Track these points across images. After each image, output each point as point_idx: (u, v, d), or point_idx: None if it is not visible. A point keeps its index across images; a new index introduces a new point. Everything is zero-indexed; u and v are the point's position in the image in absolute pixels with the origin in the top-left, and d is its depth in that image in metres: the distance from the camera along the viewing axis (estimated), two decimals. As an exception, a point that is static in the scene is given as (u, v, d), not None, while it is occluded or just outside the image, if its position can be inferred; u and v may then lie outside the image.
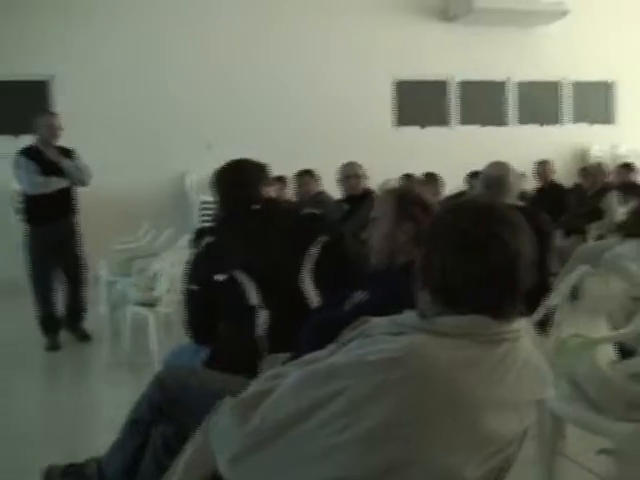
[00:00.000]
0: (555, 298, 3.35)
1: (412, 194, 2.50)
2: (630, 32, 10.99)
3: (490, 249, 1.53)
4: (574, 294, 6.33)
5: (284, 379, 1.62)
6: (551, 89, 11.06)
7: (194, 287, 2.93)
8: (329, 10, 9.73)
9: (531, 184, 8.40)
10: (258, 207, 3.02)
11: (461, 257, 1.53)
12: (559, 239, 6.60)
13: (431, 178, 7.45)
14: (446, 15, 10.34)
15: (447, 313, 1.54)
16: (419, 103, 10.40)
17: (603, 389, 2.77)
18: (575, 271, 3.47)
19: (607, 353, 3.35)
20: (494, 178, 3.90)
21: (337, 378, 1.47)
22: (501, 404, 1.53)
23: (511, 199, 3.89)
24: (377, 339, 1.55)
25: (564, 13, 10.39)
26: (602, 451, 3.34)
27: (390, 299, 1.95)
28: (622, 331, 3.29)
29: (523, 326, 1.63)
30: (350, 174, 5.22)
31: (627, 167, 8.67)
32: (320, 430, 1.45)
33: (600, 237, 6.68)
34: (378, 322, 1.67)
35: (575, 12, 10.37)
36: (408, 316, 1.60)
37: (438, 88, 10.48)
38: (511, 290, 1.56)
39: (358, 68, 9.85)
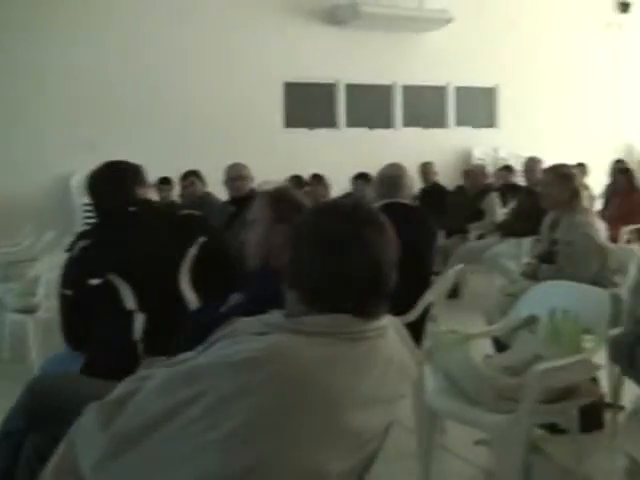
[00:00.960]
0: (432, 295, 3.45)
1: (288, 196, 2.51)
2: (511, 40, 11.42)
3: (353, 249, 1.55)
4: (455, 292, 6.55)
5: (150, 380, 1.60)
6: (436, 93, 11.35)
7: (68, 292, 2.86)
8: (218, 11, 9.66)
9: (416, 185, 8.61)
10: (134, 209, 2.98)
11: (324, 257, 1.56)
12: (441, 239, 6.81)
13: (318, 179, 7.53)
14: (334, 19, 10.44)
15: (312, 312, 1.56)
16: (308, 105, 10.48)
17: (476, 382, 2.87)
18: (451, 270, 3.59)
19: (482, 348, 3.50)
20: (389, 178, 4.00)
21: (201, 379, 1.46)
22: (364, 400, 1.56)
23: (405, 199, 4.00)
24: (241, 339, 1.55)
25: (448, 20, 10.68)
26: (479, 442, 3.48)
27: (263, 301, 1.96)
28: (494, 327, 3.43)
29: (388, 323, 1.67)
30: (235, 175, 5.20)
31: (507, 169, 9.04)
32: (184, 431, 1.44)
33: (480, 237, 6.92)
34: (245, 322, 1.67)
35: (459, 20, 10.68)
36: (273, 316, 1.62)
37: (326, 91, 10.58)
38: (374, 289, 1.59)
39: (248, 70, 9.82)
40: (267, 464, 1.42)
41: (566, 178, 4.07)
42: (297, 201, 2.48)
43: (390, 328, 1.68)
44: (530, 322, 3.20)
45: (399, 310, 3.48)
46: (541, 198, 4.20)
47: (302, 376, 1.44)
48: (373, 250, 1.56)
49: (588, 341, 2.93)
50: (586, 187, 8.10)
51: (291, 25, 10.23)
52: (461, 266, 3.72)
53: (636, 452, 2.24)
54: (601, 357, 3.52)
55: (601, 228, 4.15)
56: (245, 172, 5.25)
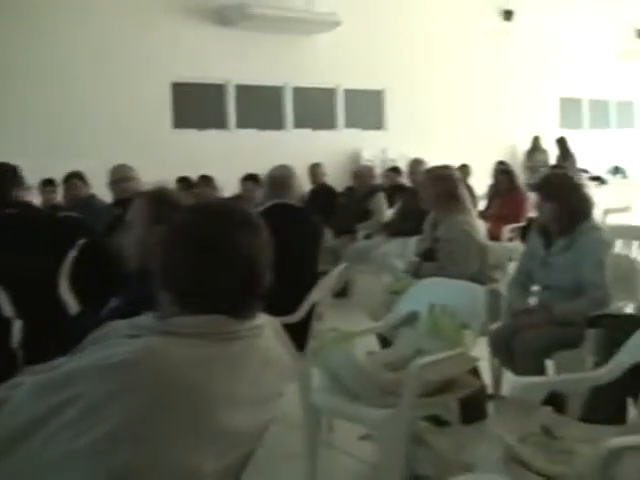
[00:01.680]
0: (317, 295, 3.50)
1: (166, 196, 2.49)
2: (399, 44, 11.68)
3: (224, 249, 1.55)
4: (345, 291, 6.65)
5: (20, 388, 1.55)
6: (326, 95, 11.48)
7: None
8: (105, 10, 9.43)
9: (305, 186, 8.69)
10: (13, 211, 2.88)
11: (195, 257, 1.55)
12: (330, 239, 6.89)
13: (207, 181, 7.48)
14: (223, 20, 10.38)
15: (184, 313, 1.55)
16: (197, 106, 10.38)
17: (358, 379, 2.93)
18: (335, 269, 3.64)
19: (368, 345, 3.56)
20: (277, 180, 4.03)
21: (72, 384, 1.43)
22: (241, 400, 1.56)
23: (293, 200, 4.03)
24: (112, 343, 1.53)
25: (337, 23, 10.81)
26: (364, 437, 3.54)
27: (141, 303, 1.93)
28: (377, 324, 3.50)
29: (264, 322, 1.68)
30: (120, 177, 5.08)
31: (395, 170, 9.23)
32: (57, 437, 1.41)
33: (368, 236, 7.05)
34: (117, 325, 1.65)
35: (348, 23, 10.83)
36: (145, 318, 1.60)
37: (216, 91, 10.51)
38: (247, 289, 1.59)
39: (135, 69, 9.62)
40: (140, 466, 1.41)
41: (442, 179, 4.21)
42: (176, 202, 2.45)
43: (267, 327, 1.69)
44: (411, 318, 3.29)
45: (286, 310, 3.52)
46: (421, 199, 4.33)
47: (174, 378, 1.43)
48: (245, 250, 1.57)
49: (466, 335, 3.04)
50: (468, 187, 8.42)
51: (179, 25, 10.10)
52: (344, 265, 3.78)
53: (510, 438, 2.33)
54: (483, 350, 3.67)
55: (480, 226, 4.31)
56: (130, 174, 5.14)
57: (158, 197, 2.47)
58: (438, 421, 3.54)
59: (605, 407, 2.70)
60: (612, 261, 3.88)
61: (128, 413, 1.39)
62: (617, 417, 2.67)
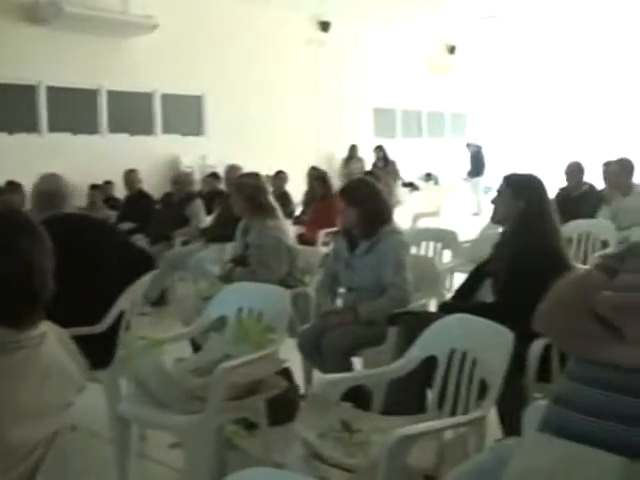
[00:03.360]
0: (124, 303, 3.42)
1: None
2: (218, 50, 11.68)
3: (2, 258, 1.50)
4: (162, 299, 6.56)
5: None
6: (143, 100, 11.26)
7: None
8: None
9: (122, 192, 8.49)
10: None
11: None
12: (146, 246, 6.76)
13: (14, 187, 7.11)
14: (35, 17, 9.90)
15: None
16: (6, 108, 9.82)
17: (165, 386, 2.90)
18: (143, 277, 3.57)
19: (181, 352, 3.53)
20: (45, 193, 3.71)
21: None
22: (23, 412, 1.51)
23: (69, 209, 3.77)
24: None
25: (154, 27, 10.64)
26: (174, 445, 3.51)
27: None
28: (186, 330, 3.49)
29: (47, 331, 1.63)
30: None
31: (214, 176, 9.23)
32: None
33: (186, 243, 6.98)
34: None
35: (165, 26, 10.69)
36: None
37: (26, 93, 10.01)
38: (26, 298, 1.55)
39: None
40: None
41: (250, 187, 4.27)
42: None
43: (50, 335, 1.64)
44: (219, 323, 3.31)
45: (90, 320, 3.40)
46: (231, 203, 4.37)
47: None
48: (23, 259, 1.52)
49: (272, 338, 3.09)
50: (284, 194, 8.57)
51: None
52: (154, 272, 3.72)
53: (310, 435, 2.39)
54: (294, 352, 3.75)
55: (290, 231, 4.41)
56: None
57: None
58: (250, 424, 3.58)
59: (404, 399, 2.84)
60: (415, 262, 4.11)
61: None
62: (416, 408, 2.82)
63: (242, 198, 4.23)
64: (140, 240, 6.55)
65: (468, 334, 2.56)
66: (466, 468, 1.80)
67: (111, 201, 9.15)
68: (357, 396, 3.16)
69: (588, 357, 1.74)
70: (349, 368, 3.51)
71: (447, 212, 10.79)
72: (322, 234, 7.08)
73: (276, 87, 12.62)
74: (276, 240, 4.17)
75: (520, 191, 3.26)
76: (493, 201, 3.37)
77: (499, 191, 3.36)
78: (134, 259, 3.69)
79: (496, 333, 2.44)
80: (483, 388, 2.45)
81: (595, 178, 6.87)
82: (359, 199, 3.71)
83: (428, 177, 15.30)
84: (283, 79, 12.77)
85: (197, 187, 8.88)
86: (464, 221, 10.80)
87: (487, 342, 2.47)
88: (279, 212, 4.45)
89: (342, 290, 3.95)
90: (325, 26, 13.65)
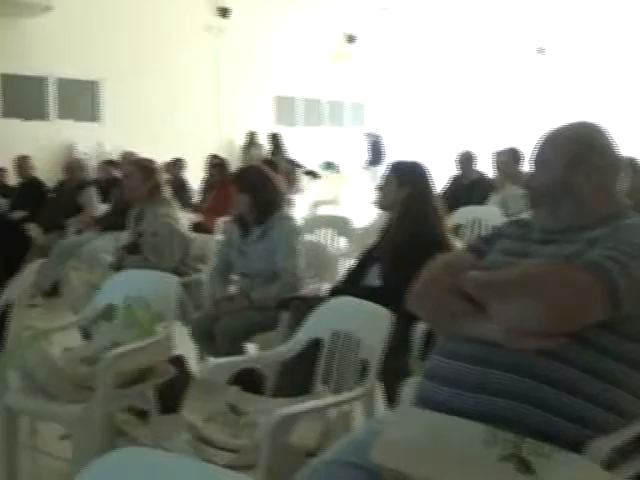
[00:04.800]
0: (10, 294, 3.34)
1: None
2: (115, 35, 11.41)
3: None
4: (56, 289, 6.41)
5: None
6: (37, 84, 10.92)
7: None
8: None
9: (14, 179, 8.24)
10: None
11: None
12: (39, 235, 6.60)
13: None
14: None
15: None
16: None
17: (52, 376, 2.86)
18: (31, 266, 3.50)
19: (68, 341, 3.48)
20: None
21: None
22: None
23: None
24: None
25: (48, 8, 10.32)
26: (64, 436, 3.47)
27: None
28: (74, 319, 3.44)
29: None
30: None
31: (111, 163, 9.04)
32: None
33: (79, 232, 6.84)
34: None
35: (61, 8, 10.38)
36: None
37: None
38: None
39: None
40: None
41: (146, 171, 4.24)
42: None
43: None
44: (107, 311, 3.28)
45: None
46: (125, 190, 4.33)
47: None
48: None
49: (161, 324, 3.10)
50: (182, 181, 8.51)
51: None
52: (41, 262, 3.65)
53: (196, 419, 2.42)
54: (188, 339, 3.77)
55: (183, 219, 4.40)
56: None
57: None
58: (142, 412, 3.57)
59: (293, 381, 2.90)
60: (309, 248, 4.18)
61: None
62: (304, 389, 2.89)
63: (137, 183, 4.19)
64: (33, 229, 6.38)
65: (350, 316, 2.65)
66: (343, 442, 1.88)
67: (2, 189, 8.84)
68: (249, 380, 3.22)
69: (455, 333, 1.85)
70: (242, 354, 3.55)
71: (346, 200, 10.96)
72: (220, 221, 7.06)
73: (175, 74, 12.46)
74: (169, 227, 4.16)
75: (405, 178, 3.37)
76: (379, 188, 3.47)
77: (385, 178, 3.46)
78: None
79: (376, 315, 2.53)
80: (365, 368, 2.54)
81: (486, 166, 7.13)
82: (251, 186, 3.74)
83: (328, 165, 15.45)
84: (182, 65, 12.62)
85: (93, 174, 8.68)
86: (363, 208, 10.99)
87: (368, 323, 2.55)
88: (172, 200, 4.43)
89: (235, 277, 3.98)
90: (224, 12, 13.56)
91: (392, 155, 14.67)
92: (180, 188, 7.75)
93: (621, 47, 17.79)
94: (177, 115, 12.29)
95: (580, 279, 1.68)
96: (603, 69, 18.24)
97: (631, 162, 4.39)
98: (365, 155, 15.81)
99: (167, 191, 4.33)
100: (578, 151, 1.91)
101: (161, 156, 8.74)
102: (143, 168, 4.26)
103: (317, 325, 2.71)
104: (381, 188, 3.46)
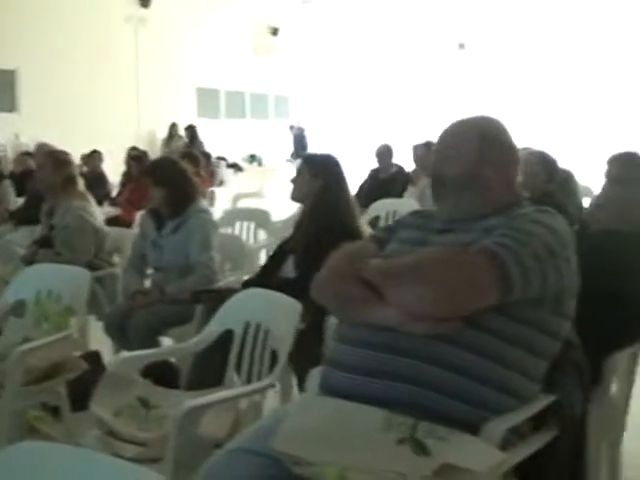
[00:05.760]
0: None
1: None
2: (31, 24, 11.09)
3: None
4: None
5: None
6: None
7: None
8: None
9: None
10: None
11: None
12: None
13: None
14: None
15: None
16: None
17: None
18: None
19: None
20: None
21: None
22: None
23: None
24: None
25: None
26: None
27: None
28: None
29: None
30: None
31: (28, 155, 8.81)
32: None
33: (-5, 226, 6.65)
34: None
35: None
36: None
37: None
38: None
39: None
40: None
41: (59, 163, 4.16)
42: None
43: None
44: (17, 306, 3.22)
45: None
46: (37, 182, 4.24)
47: None
48: None
49: (72, 319, 3.06)
50: (99, 174, 8.36)
51: None
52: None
53: (104, 413, 2.40)
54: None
55: (99, 212, 4.35)
56: None
57: None
58: (55, 409, 3.52)
59: (206, 374, 2.91)
60: (225, 241, 4.19)
61: None
62: (217, 381, 2.90)
63: (50, 175, 4.11)
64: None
65: (261, 307, 2.67)
66: (248, 430, 1.91)
67: None
68: (165, 374, 3.22)
69: (356, 320, 1.90)
70: (156, 347, 3.53)
71: (270, 193, 10.95)
72: (139, 215, 6.98)
73: (95, 64, 12.23)
74: (82, 221, 4.10)
75: (318, 171, 3.40)
76: (292, 180, 3.50)
77: (298, 170, 3.49)
78: None
79: (285, 305, 2.56)
80: (276, 358, 2.57)
81: (406, 160, 7.25)
82: (164, 178, 3.72)
83: (252, 158, 15.43)
84: (102, 56, 12.40)
85: (10, 167, 8.46)
86: (286, 202, 11.00)
87: (277, 314, 2.59)
88: (87, 193, 4.37)
89: (150, 270, 3.96)
90: (145, 2, 13.38)
91: (316, 148, 14.76)
92: (97, 181, 7.62)
93: (539, 43, 18.31)
94: (96, 106, 12.07)
95: (472, 265, 1.75)
96: (521, 64, 18.74)
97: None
98: (289, 148, 15.84)
99: (81, 184, 4.26)
100: (481, 143, 1.98)
101: (81, 148, 8.62)
102: (56, 160, 4.18)
103: (228, 317, 2.73)
104: (294, 180, 3.49)
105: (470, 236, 1.89)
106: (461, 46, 19.73)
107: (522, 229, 1.83)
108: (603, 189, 3.42)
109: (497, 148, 1.99)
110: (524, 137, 7.93)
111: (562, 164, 5.03)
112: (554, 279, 1.81)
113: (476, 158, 1.96)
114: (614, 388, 2.97)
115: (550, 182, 4.38)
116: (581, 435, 2.04)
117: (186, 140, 13.07)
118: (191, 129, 13.14)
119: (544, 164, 4.41)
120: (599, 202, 3.20)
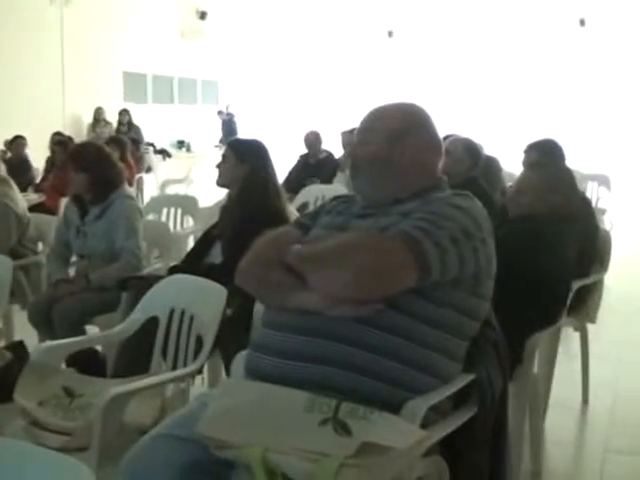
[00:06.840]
0: None
1: None
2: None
3: None
4: None
5: None
6: None
7: None
8: None
9: None
10: None
11: None
12: None
13: None
14: None
15: None
16: None
17: None
18: None
19: None
20: None
21: None
22: None
23: None
24: None
25: None
26: None
27: None
28: None
29: None
30: None
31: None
32: None
33: None
34: None
35: None
36: None
37: None
38: None
39: None
40: None
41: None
42: None
43: None
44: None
45: None
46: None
47: None
48: None
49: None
50: (24, 160, 8.15)
51: None
52: None
53: (28, 403, 2.37)
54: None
55: (21, 199, 4.25)
56: None
57: None
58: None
59: (132, 361, 2.89)
60: (151, 227, 4.14)
61: None
62: (144, 368, 2.88)
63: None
64: None
65: (185, 293, 2.67)
66: (173, 416, 1.91)
67: None
68: (90, 363, 3.18)
69: (278, 304, 1.92)
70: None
71: (198, 179, 10.84)
72: (64, 201, 6.83)
73: (17, 47, 11.87)
74: (3, 207, 4.00)
75: (244, 156, 3.40)
76: (218, 166, 3.48)
77: (224, 156, 3.48)
78: None
79: (209, 291, 2.56)
80: (201, 343, 2.57)
81: (335, 146, 7.29)
82: (87, 164, 3.65)
83: (180, 144, 15.26)
84: (24, 39, 12.03)
85: None
86: (214, 188, 10.92)
87: (201, 299, 2.59)
88: (9, 179, 4.27)
89: (74, 258, 3.89)
90: (203, 15, 13.11)
91: (245, 133, 14.68)
92: (21, 167, 7.43)
93: (466, 31, 18.60)
94: (20, 90, 11.74)
95: (389, 248, 1.79)
96: (449, 52, 19.02)
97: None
98: (218, 133, 15.72)
99: (3, 169, 4.15)
100: (397, 128, 2.02)
101: (3, 133, 8.38)
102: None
103: (153, 303, 2.71)
104: (220, 166, 3.47)
105: (389, 220, 1.93)
106: (390, 34, 19.90)
107: (439, 212, 1.88)
108: (522, 175, 3.50)
109: (414, 133, 2.03)
110: (451, 124, 8.08)
111: (488, 151, 5.13)
112: (471, 260, 1.86)
113: (389, 142, 2.00)
114: (536, 367, 3.08)
115: (474, 168, 4.47)
116: (503, 412, 2.10)
117: (114, 125, 12.81)
118: (127, 113, 12.85)
119: (469, 150, 4.49)
120: (520, 187, 3.28)
